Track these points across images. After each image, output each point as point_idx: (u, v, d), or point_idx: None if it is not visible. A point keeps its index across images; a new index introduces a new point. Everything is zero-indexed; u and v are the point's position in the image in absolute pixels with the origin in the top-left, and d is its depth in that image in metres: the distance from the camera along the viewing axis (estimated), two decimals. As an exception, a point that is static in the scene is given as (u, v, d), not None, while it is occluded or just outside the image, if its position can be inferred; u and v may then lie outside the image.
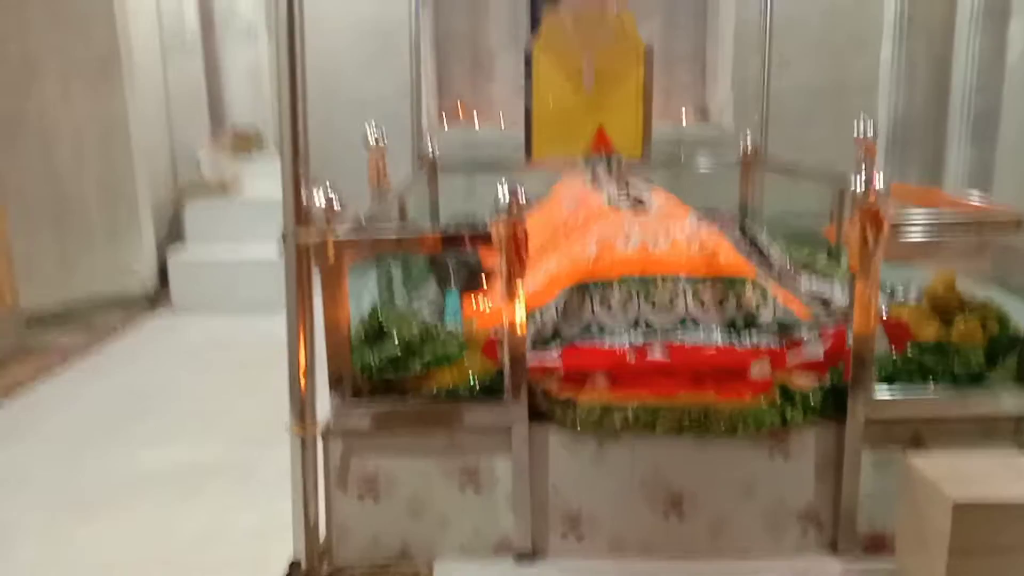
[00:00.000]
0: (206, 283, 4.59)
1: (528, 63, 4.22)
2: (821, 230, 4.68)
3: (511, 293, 1.87)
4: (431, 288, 2.82)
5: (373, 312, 2.12)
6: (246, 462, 2.78)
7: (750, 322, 2.34)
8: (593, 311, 2.40)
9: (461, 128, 5.60)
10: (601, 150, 3.81)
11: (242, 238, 4.80)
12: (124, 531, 2.45)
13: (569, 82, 4.22)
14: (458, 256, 3.24)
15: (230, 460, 2.81)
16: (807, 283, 2.96)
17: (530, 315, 2.37)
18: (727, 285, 2.38)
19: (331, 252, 1.84)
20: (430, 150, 4.19)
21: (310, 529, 1.93)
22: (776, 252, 3.36)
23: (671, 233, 2.48)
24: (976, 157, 5.04)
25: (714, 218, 4.10)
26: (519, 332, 1.91)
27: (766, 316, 2.31)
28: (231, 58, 5.38)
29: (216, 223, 4.81)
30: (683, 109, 5.74)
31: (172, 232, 4.96)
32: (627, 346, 2.30)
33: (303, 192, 1.84)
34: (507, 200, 1.82)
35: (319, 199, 1.84)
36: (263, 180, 5.09)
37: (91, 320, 4.38)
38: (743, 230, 3.76)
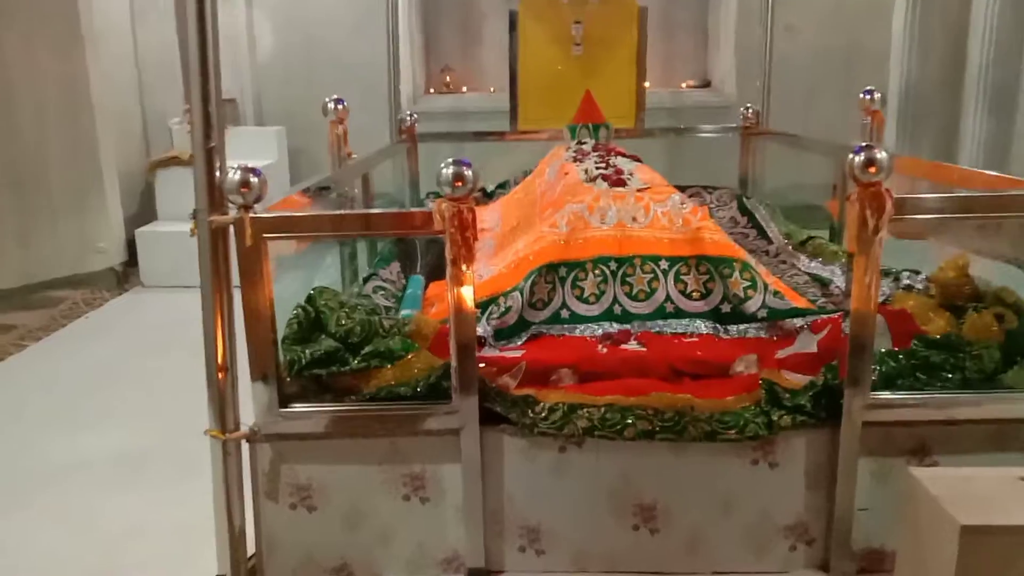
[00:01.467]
0: (176, 260, 4.36)
1: (513, 25, 3.95)
2: (824, 204, 4.43)
3: (457, 281, 1.63)
4: (394, 270, 2.59)
5: (310, 298, 1.88)
6: (190, 451, 2.56)
7: (737, 310, 2.10)
8: (563, 297, 2.17)
9: (450, 96, 5.33)
10: (588, 118, 3.54)
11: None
12: (51, 521, 2.26)
13: (556, 45, 3.94)
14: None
15: (174, 448, 2.60)
16: (806, 264, 2.72)
17: (492, 301, 2.14)
18: (712, 267, 2.14)
19: (248, 232, 1.60)
20: (408, 118, 3.94)
21: (235, 542, 1.72)
22: (775, 229, 3.11)
23: (651, 209, 2.23)
24: (993, 131, 4.75)
25: (711, 194, 3.87)
26: (468, 324, 1.67)
27: (755, 303, 2.07)
28: (207, 22, 5.11)
29: (189, 197, 4.55)
30: (683, 77, 5.45)
31: (144, 206, 4.73)
32: (599, 335, 2.08)
33: (219, 166, 1.61)
34: (450, 175, 1.58)
35: (237, 175, 1.60)
36: (239, 153, 4.83)
37: (53, 299, 4.16)
38: (741, 206, 3.49)
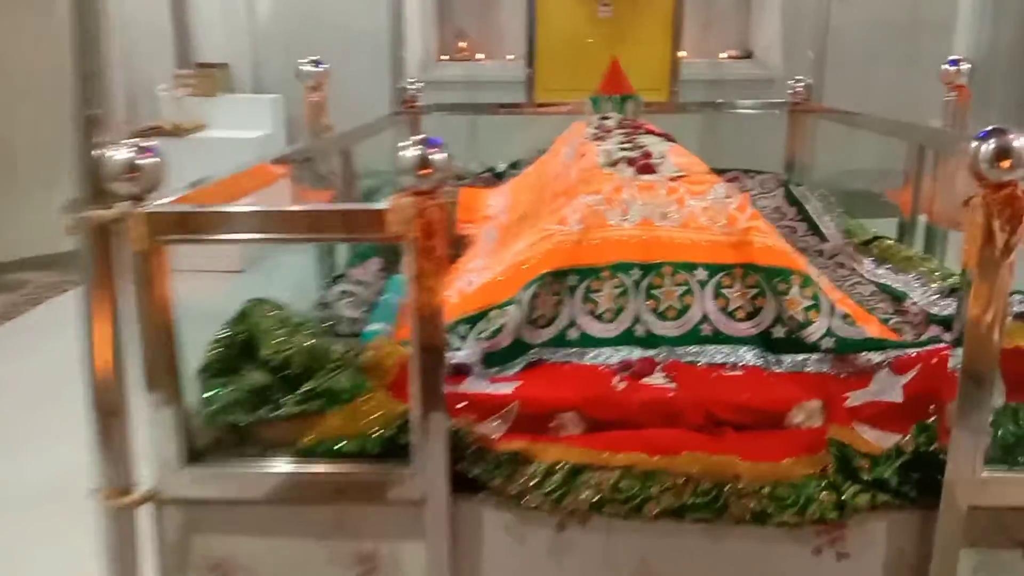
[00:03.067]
0: (158, 240, 3.97)
1: (531, -17, 3.47)
2: (882, 193, 3.91)
3: (421, 307, 1.19)
4: (372, 268, 2.16)
5: (242, 315, 1.46)
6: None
7: (793, 336, 1.65)
8: (572, 312, 1.72)
9: (464, 63, 4.86)
10: (614, 89, 3.06)
11: (204, 188, 4.17)
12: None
13: (581, 7, 3.47)
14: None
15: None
16: (871, 270, 2.24)
17: (483, 316, 1.71)
18: (764, 279, 1.68)
19: (135, 233, 1.17)
20: (410, 87, 3.49)
21: (133, 633, 1.32)
22: (831, 224, 2.62)
23: (687, 204, 1.78)
24: (1074, 108, 4.22)
25: (753, 179, 3.38)
26: (434, 361, 1.24)
27: (818, 330, 1.61)
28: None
29: (174, 171, 4.16)
30: (722, 47, 4.92)
31: (126, 180, 4.34)
32: (615, 365, 1.63)
33: (102, 142, 1.19)
34: (413, 160, 1.14)
35: (121, 155, 1.17)
36: (232, 125, 4.43)
37: (16, 282, 3.79)
38: (789, 195, 3.01)
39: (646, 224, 1.75)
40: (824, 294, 1.64)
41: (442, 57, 4.93)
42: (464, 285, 1.87)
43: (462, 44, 4.88)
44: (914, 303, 1.92)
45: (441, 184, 1.16)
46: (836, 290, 1.80)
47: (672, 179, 1.81)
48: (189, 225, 1.20)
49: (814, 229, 2.70)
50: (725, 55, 4.85)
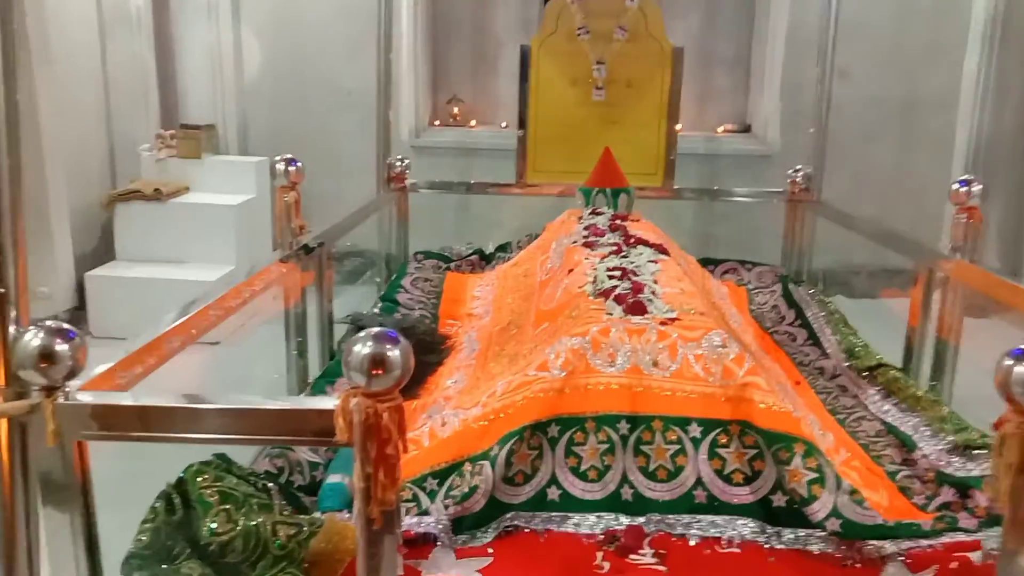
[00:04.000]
0: (133, 308, 3.80)
1: (524, 62, 3.36)
2: (879, 292, 3.80)
3: (369, 518, 1.03)
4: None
5: (180, 484, 1.30)
6: None
7: (795, 507, 1.49)
8: (553, 468, 1.57)
9: (456, 128, 4.75)
10: (606, 181, 2.94)
11: (184, 254, 4.02)
12: None
13: (575, 88, 3.36)
14: (403, 319, 2.42)
15: None
16: (876, 403, 2.09)
17: (455, 470, 1.56)
18: (762, 442, 1.54)
19: (49, 429, 1.02)
20: (399, 164, 3.36)
21: None
22: (832, 340, 2.48)
23: (679, 351, 1.63)
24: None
25: (750, 271, 3.26)
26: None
27: (822, 508, 1.46)
28: (188, 39, 4.57)
29: (153, 236, 4.02)
30: (718, 120, 4.83)
31: (101, 245, 4.19)
32: (599, 536, 1.48)
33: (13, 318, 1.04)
34: (365, 358, 0.99)
35: (36, 340, 1.02)
36: (216, 188, 4.29)
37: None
38: (787, 295, 2.88)
39: (635, 372, 1.61)
40: (830, 465, 1.49)
41: (435, 122, 4.82)
42: (436, 423, 1.72)
43: (455, 109, 4.78)
44: (924, 455, 1.77)
45: (397, 386, 1.01)
46: (842, 448, 1.65)
47: (663, 322, 1.67)
48: (108, 420, 1.04)
49: (814, 339, 2.56)
50: (721, 129, 4.75)
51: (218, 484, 1.32)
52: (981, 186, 2.11)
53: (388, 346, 1.01)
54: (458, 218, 4.29)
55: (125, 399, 1.10)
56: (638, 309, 1.70)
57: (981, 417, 1.86)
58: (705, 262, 3.17)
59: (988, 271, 2.03)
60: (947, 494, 1.62)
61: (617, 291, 1.79)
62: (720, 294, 2.79)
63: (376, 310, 2.54)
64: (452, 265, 3.24)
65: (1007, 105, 4.47)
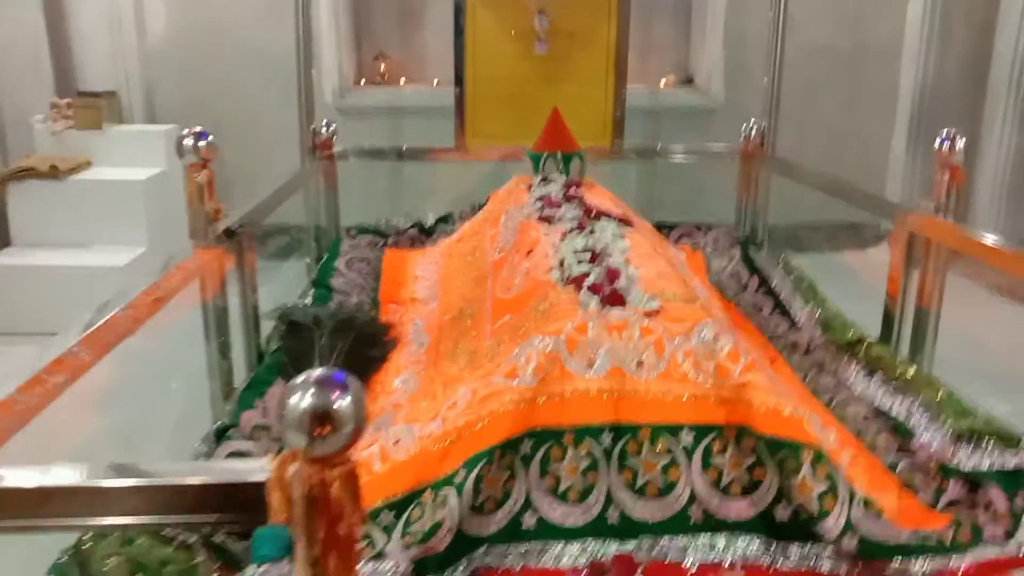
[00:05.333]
0: (31, 300, 3.44)
1: (459, 13, 3.07)
2: (825, 247, 3.68)
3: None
4: (274, 401, 1.73)
5: (77, 555, 1.05)
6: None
7: (803, 522, 1.32)
8: (527, 490, 1.37)
9: (385, 88, 4.42)
10: (556, 145, 2.70)
11: (88, 237, 3.64)
12: None
13: (516, 42, 3.10)
14: (338, 319, 2.15)
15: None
16: (861, 382, 1.93)
17: (413, 501, 1.34)
18: (764, 449, 1.36)
19: None
20: (325, 130, 3.06)
21: None
22: (802, 309, 2.32)
23: (666, 349, 1.43)
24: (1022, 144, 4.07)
25: (706, 234, 3.09)
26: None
27: (835, 523, 1.29)
28: (82, 3, 4.09)
29: (52, 218, 3.63)
30: (661, 72, 4.62)
31: (-4, 230, 3.78)
32: (583, 570, 1.28)
33: None
34: (304, 412, 0.75)
35: None
36: (121, 161, 3.89)
37: None
38: (747, 260, 2.72)
39: (616, 374, 1.40)
40: (841, 474, 1.32)
41: (361, 82, 4.48)
42: (388, 441, 1.48)
43: (382, 66, 4.45)
44: (922, 444, 1.62)
45: (351, 443, 0.78)
46: (848, 445, 1.48)
47: (647, 314, 1.46)
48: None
49: (782, 309, 2.40)
50: (664, 82, 4.55)
51: (125, 550, 1.07)
52: (964, 139, 1.96)
53: (335, 394, 0.76)
54: (392, 187, 4.00)
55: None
56: (617, 300, 1.49)
57: (960, 386, 1.73)
58: (658, 227, 2.98)
59: (982, 236, 1.87)
60: (955, 490, 1.47)
61: (591, 279, 1.57)
62: (679, 262, 2.60)
63: (308, 300, 2.27)
64: (390, 241, 2.97)
65: (951, 52, 4.39)
